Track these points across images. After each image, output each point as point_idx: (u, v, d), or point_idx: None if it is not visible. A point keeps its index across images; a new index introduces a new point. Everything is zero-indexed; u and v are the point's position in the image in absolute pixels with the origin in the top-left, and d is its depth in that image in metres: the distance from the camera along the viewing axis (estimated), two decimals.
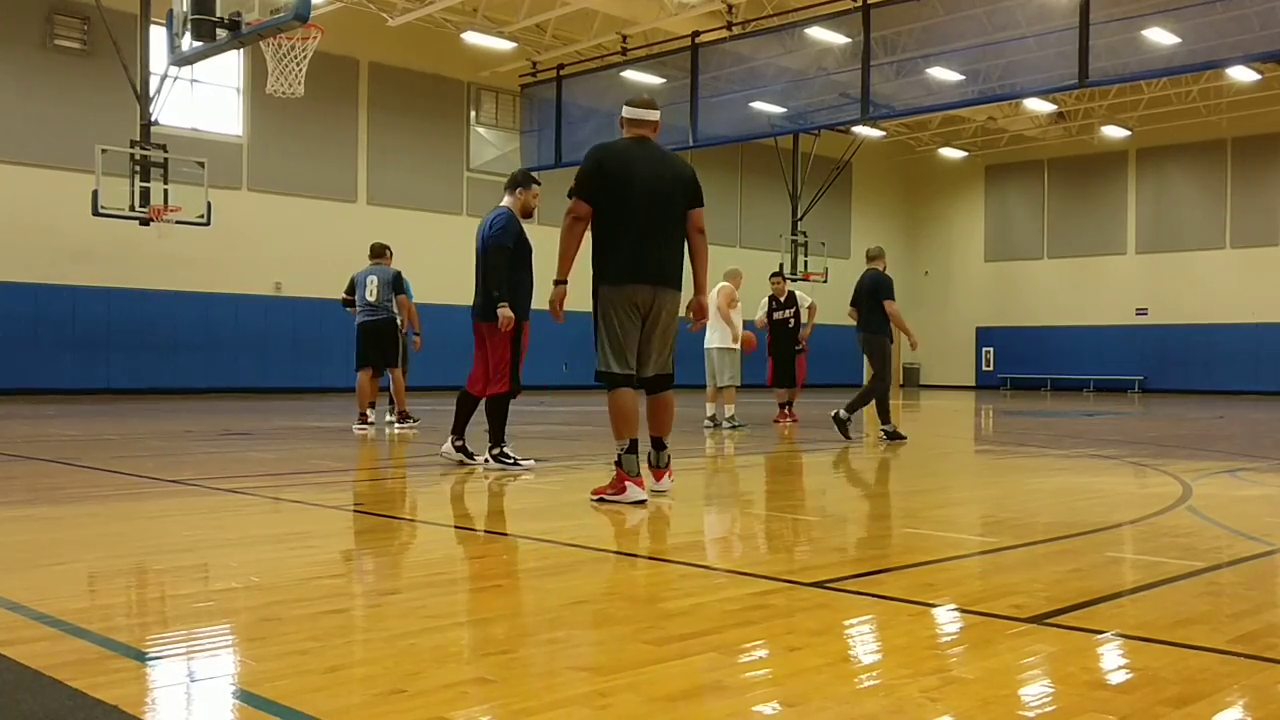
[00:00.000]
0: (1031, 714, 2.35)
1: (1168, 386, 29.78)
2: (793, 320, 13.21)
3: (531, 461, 7.47)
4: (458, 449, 7.57)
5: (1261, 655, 2.78)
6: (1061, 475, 7.87)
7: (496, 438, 7.37)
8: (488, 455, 7.37)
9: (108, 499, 5.86)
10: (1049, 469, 8.28)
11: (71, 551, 4.28)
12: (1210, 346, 29.28)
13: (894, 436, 10.25)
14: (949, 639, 3.05)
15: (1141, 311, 30.84)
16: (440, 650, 2.78)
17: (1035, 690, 2.54)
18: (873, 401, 10.45)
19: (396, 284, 11.08)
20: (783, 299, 13.38)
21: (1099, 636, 3.01)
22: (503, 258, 7.12)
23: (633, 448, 5.60)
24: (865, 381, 10.72)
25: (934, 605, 3.35)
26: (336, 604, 3.40)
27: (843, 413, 10.34)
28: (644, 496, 5.55)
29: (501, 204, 7.45)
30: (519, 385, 7.37)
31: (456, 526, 5.13)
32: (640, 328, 5.72)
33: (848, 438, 10.24)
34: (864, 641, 3.03)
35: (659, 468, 5.90)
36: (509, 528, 4.99)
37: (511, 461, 7.31)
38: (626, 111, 5.88)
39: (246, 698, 2.38)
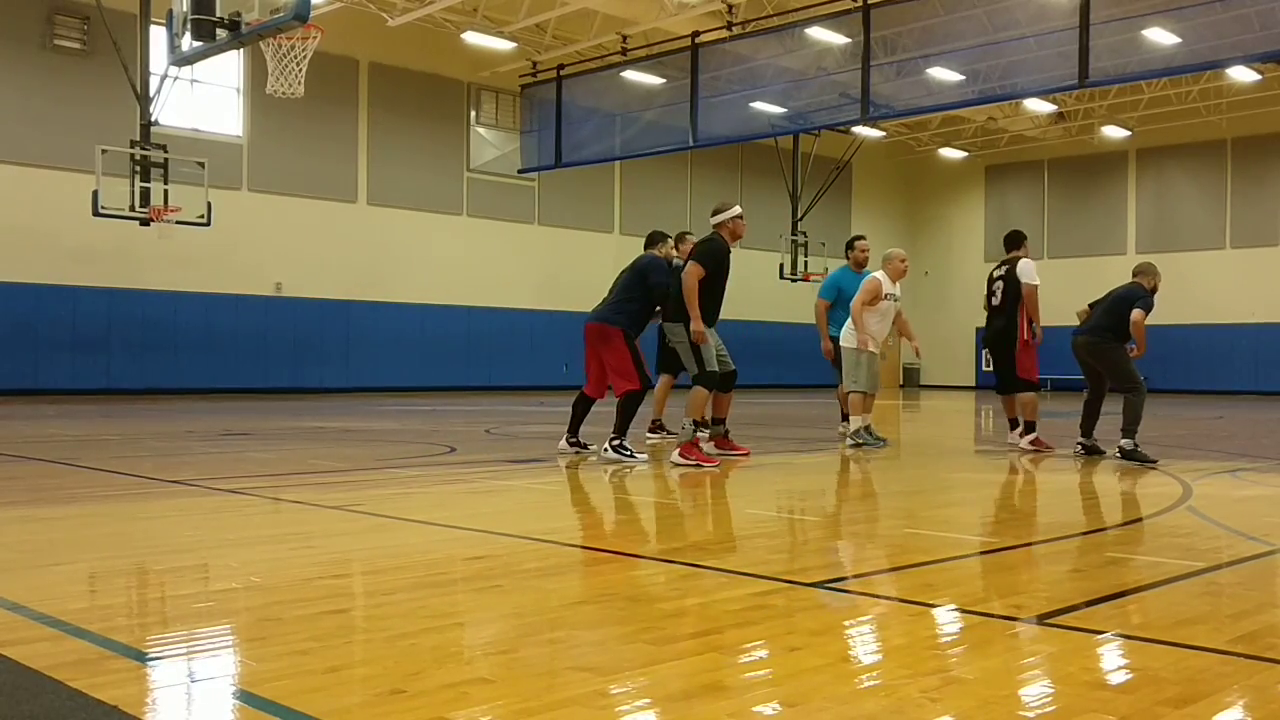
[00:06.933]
0: (1031, 714, 2.35)
1: (1167, 386, 29.75)
2: (999, 295, 9.69)
3: (645, 456, 8.15)
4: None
5: (1261, 655, 2.79)
6: (1061, 475, 7.87)
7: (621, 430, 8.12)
8: (606, 445, 8.03)
9: (108, 499, 5.86)
10: (1049, 469, 8.27)
11: (72, 552, 4.28)
12: (1210, 346, 29.24)
13: (1093, 451, 8.66)
14: (949, 639, 3.05)
15: None
16: (440, 650, 2.78)
17: (1035, 690, 2.54)
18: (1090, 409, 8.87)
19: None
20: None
21: (1099, 636, 3.01)
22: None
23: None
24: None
25: (934, 605, 3.36)
26: (336, 604, 3.40)
27: (1124, 443, 8.26)
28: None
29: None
30: (648, 381, 8.25)
31: (456, 527, 5.13)
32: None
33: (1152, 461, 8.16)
34: (864, 641, 3.04)
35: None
36: (509, 528, 4.99)
37: (629, 454, 7.95)
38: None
39: (246, 698, 2.38)
